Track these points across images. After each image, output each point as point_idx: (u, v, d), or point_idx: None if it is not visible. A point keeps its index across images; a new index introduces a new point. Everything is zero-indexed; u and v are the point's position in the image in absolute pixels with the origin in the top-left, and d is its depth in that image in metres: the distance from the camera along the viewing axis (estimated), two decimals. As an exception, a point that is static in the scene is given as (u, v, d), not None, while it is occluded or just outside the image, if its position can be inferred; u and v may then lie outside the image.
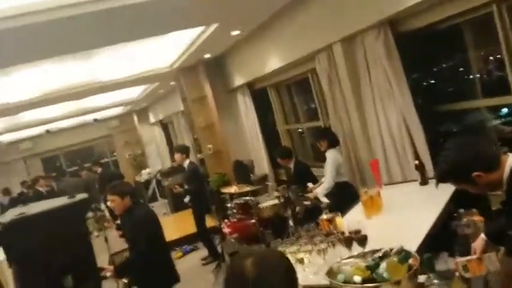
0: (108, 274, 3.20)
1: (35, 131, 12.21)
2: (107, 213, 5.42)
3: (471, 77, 4.17)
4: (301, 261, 2.09)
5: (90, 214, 4.41)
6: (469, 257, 1.98)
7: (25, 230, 2.67)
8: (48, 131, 12.30)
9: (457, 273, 2.06)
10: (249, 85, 7.01)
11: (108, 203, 3.62)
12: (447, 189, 2.82)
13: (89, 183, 8.77)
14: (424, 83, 4.39)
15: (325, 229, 2.42)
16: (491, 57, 4.00)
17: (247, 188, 5.36)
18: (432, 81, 4.45)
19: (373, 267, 1.69)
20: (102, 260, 4.26)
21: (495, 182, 1.77)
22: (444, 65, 4.43)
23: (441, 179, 1.91)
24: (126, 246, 4.21)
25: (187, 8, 4.06)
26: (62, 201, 3.01)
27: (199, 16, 4.57)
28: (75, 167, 13.04)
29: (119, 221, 4.62)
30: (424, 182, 3.13)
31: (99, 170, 9.23)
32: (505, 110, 4.04)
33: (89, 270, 2.90)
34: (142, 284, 3.43)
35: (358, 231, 2.23)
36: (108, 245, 4.93)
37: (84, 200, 3.06)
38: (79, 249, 2.82)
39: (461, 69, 4.35)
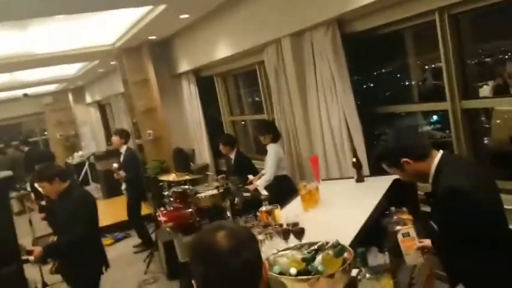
0: (31, 258, 2.98)
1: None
2: (32, 195, 5.08)
3: (407, 83, 4.38)
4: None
5: (14, 194, 4.10)
6: (415, 237, 2.09)
7: None
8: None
9: (398, 227, 2.23)
10: (195, 72, 6.87)
11: (38, 188, 3.38)
12: (381, 188, 2.94)
13: (15, 162, 8.19)
14: (364, 86, 4.54)
15: (264, 221, 2.42)
16: (426, 67, 4.22)
17: (186, 177, 5.27)
18: (371, 85, 4.62)
19: (308, 260, 1.70)
20: (25, 244, 3.99)
21: (422, 172, 1.97)
22: (384, 70, 4.61)
23: (376, 160, 2.12)
24: (49, 230, 3.97)
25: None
26: (-19, 176, 2.76)
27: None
28: (1, 144, 12.10)
29: (43, 202, 4.36)
30: (360, 179, 3.23)
31: (26, 149, 8.65)
32: (435, 117, 4.30)
33: (10, 254, 2.67)
34: (70, 268, 3.24)
35: (295, 224, 2.25)
36: (32, 228, 4.65)
37: (9, 178, 2.82)
38: (0, 230, 2.59)
39: (399, 75, 4.56)
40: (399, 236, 2.14)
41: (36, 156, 5.10)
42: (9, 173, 2.91)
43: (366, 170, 3.59)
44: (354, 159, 3.26)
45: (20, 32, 5.54)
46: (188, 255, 1.15)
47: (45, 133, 14.37)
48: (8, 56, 6.48)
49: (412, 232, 2.13)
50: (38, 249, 3.11)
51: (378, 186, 3.00)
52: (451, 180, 1.85)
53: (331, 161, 4.15)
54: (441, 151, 1.99)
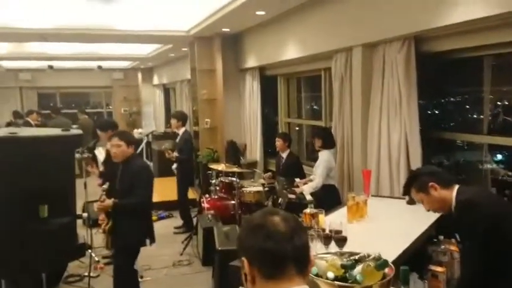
0: (85, 215, 3.18)
1: (37, 64, 12.04)
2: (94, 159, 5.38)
3: (476, 116, 4.16)
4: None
5: (77, 155, 4.36)
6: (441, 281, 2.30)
7: (13, 149, 2.61)
8: (51, 67, 12.13)
9: (432, 267, 2.45)
10: (260, 69, 6.95)
11: (107, 146, 3.58)
12: (432, 214, 2.83)
13: (83, 128, 8.70)
14: (429, 111, 4.38)
15: (307, 223, 2.42)
16: (499, 103, 3.98)
17: (235, 169, 5.36)
18: (437, 111, 4.45)
19: (348, 267, 1.68)
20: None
21: (445, 199, 2.20)
22: (453, 99, 4.42)
23: (406, 185, 2.35)
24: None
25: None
26: (55, 131, 2.97)
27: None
28: (70, 109, 12.91)
29: (101, 169, 4.59)
30: (411, 201, 3.11)
31: (86, 117, 9.22)
32: (500, 156, 4.08)
33: (67, 206, 2.85)
34: (120, 231, 3.41)
35: (338, 232, 2.23)
36: (86, 192, 4.90)
37: (78, 136, 3.01)
38: (62, 183, 2.77)
39: (468, 106, 4.35)
40: (428, 275, 2.33)
41: (100, 123, 5.38)
42: (78, 131, 3.10)
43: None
44: (409, 180, 3.16)
45: (103, 5, 5.85)
46: (243, 230, 1.19)
47: (110, 107, 15.12)
48: (90, 27, 6.87)
49: (442, 276, 2.29)
50: (109, 201, 3.34)
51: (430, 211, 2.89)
52: (462, 196, 2.14)
53: (383, 177, 4.05)
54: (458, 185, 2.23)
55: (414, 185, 2.28)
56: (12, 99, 13.29)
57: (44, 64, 11.95)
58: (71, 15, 6.23)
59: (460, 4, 3.09)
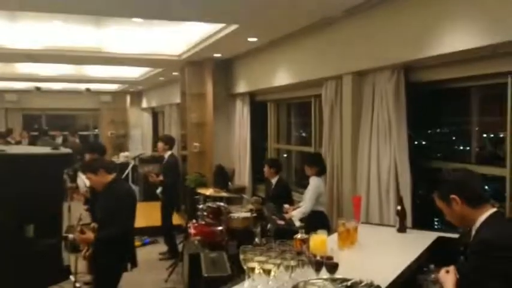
0: (71, 236, 3.07)
1: (23, 85, 11.95)
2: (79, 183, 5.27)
3: (462, 147, 4.20)
4: (267, 272, 2.03)
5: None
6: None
7: (2, 167, 2.54)
8: (38, 88, 12.04)
9: None
10: (251, 94, 6.99)
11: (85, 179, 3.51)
12: (423, 242, 2.82)
13: (72, 149, 8.61)
14: (415, 142, 4.40)
15: (298, 248, 2.37)
16: (485, 135, 4.03)
17: (223, 194, 5.29)
18: (423, 142, 4.48)
19: (342, 294, 1.64)
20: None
21: (467, 218, 1.95)
22: (439, 130, 4.46)
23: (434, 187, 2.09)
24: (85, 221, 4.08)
25: (215, 1, 4.03)
26: (45, 149, 2.90)
27: (222, 12, 4.53)
28: (55, 131, 12.73)
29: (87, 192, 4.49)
30: (402, 229, 3.10)
31: (77, 140, 9.11)
32: (486, 188, 4.08)
33: (53, 227, 2.76)
34: (101, 258, 3.29)
35: (330, 258, 2.18)
36: (69, 215, 4.78)
37: (68, 155, 2.95)
38: (50, 203, 2.69)
39: (455, 138, 4.39)
40: None
41: (89, 146, 5.30)
42: (68, 150, 3.04)
43: (409, 221, 3.46)
44: (399, 208, 3.15)
45: (94, 28, 5.87)
46: None
47: (96, 130, 14.99)
48: (80, 49, 6.86)
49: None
50: (90, 236, 3.21)
51: (420, 239, 2.87)
52: (488, 234, 1.83)
53: (373, 205, 4.03)
54: (495, 208, 1.96)
55: (437, 192, 2.03)
56: (-3, 120, 13.14)
57: (30, 85, 11.86)
58: (60, 36, 6.23)
59: (447, 35, 3.17)
